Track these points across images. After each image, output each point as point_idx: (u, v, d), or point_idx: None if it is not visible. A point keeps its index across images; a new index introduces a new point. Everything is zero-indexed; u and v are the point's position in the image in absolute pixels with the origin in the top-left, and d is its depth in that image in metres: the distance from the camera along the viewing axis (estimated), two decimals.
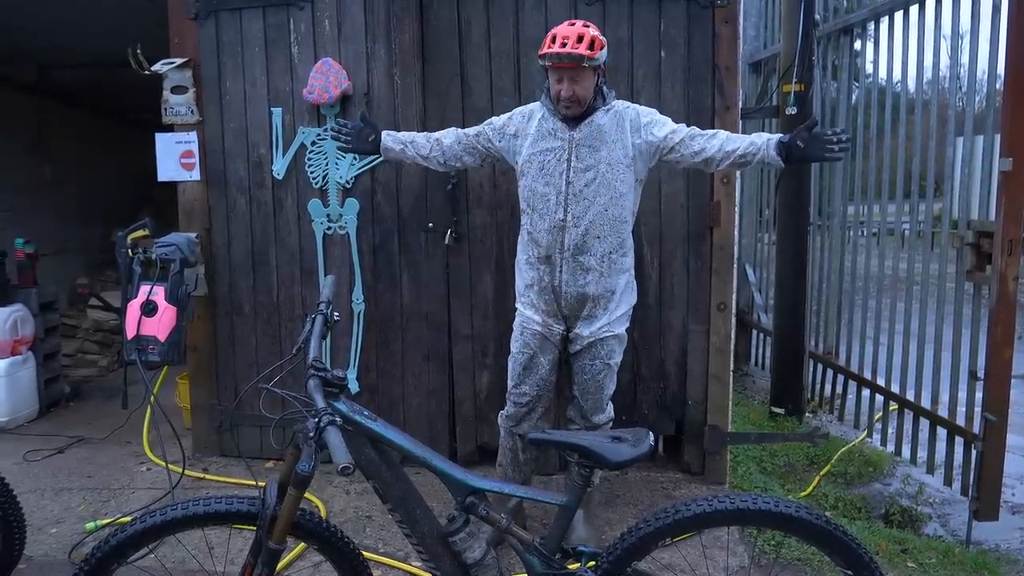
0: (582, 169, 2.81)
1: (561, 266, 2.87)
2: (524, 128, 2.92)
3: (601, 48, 2.72)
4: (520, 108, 3.03)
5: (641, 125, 2.86)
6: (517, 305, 3.05)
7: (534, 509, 3.37)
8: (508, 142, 2.96)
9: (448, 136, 3.05)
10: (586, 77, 2.73)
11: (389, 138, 3.08)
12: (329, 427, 1.68)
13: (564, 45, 2.64)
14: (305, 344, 2.03)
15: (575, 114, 2.80)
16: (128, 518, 3.36)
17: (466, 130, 3.06)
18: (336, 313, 2.17)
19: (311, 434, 1.74)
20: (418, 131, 3.64)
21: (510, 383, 3.05)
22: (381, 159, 3.68)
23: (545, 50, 2.71)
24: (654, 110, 2.94)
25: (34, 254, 4.91)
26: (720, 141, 2.80)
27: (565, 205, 2.82)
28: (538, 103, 2.94)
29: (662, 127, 2.86)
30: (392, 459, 2.03)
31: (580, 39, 2.66)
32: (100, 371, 5.94)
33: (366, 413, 1.98)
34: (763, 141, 2.76)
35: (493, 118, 3.04)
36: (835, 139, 2.67)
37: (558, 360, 3.01)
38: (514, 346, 3.04)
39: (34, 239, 5.03)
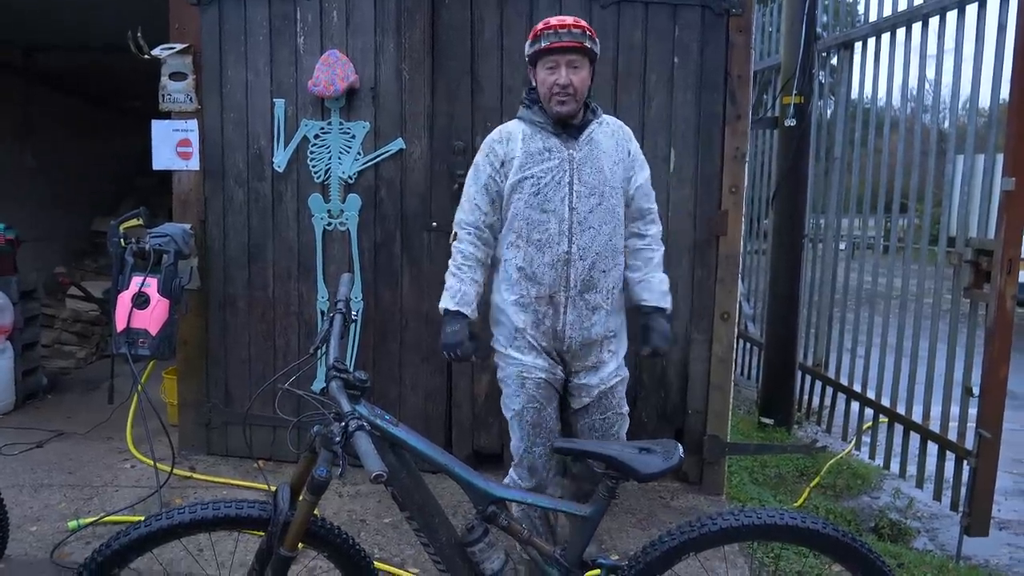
0: (586, 194, 2.50)
1: (566, 306, 2.53)
2: (509, 152, 2.54)
3: (596, 41, 2.51)
4: (491, 137, 2.62)
5: (631, 152, 2.63)
6: (506, 352, 2.60)
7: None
8: (502, 177, 2.56)
9: (468, 245, 2.60)
10: (583, 67, 2.46)
11: (470, 307, 2.60)
12: (358, 432, 1.62)
13: (563, 25, 2.43)
14: (324, 344, 1.97)
15: (569, 112, 2.47)
16: (114, 516, 3.27)
17: (466, 223, 2.60)
18: (354, 312, 2.10)
19: (337, 439, 1.67)
20: (425, 128, 3.64)
21: (521, 445, 2.62)
22: (387, 154, 3.65)
23: (540, 29, 2.45)
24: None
25: (15, 240, 4.74)
26: (650, 238, 2.67)
27: (569, 235, 2.49)
28: (514, 121, 2.62)
29: (644, 169, 2.67)
30: (411, 465, 1.97)
31: (577, 24, 2.44)
32: (78, 363, 5.76)
33: (387, 417, 1.92)
34: (644, 287, 2.63)
35: (474, 177, 2.60)
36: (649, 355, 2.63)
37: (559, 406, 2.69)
38: (514, 402, 2.60)
39: (13, 225, 4.86)
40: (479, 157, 2.62)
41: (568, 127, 2.53)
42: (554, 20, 2.47)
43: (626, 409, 2.71)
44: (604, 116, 2.64)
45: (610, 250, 2.56)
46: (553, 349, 2.58)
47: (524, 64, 3.49)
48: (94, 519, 3.24)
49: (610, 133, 2.59)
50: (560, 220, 2.49)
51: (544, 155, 2.51)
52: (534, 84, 2.55)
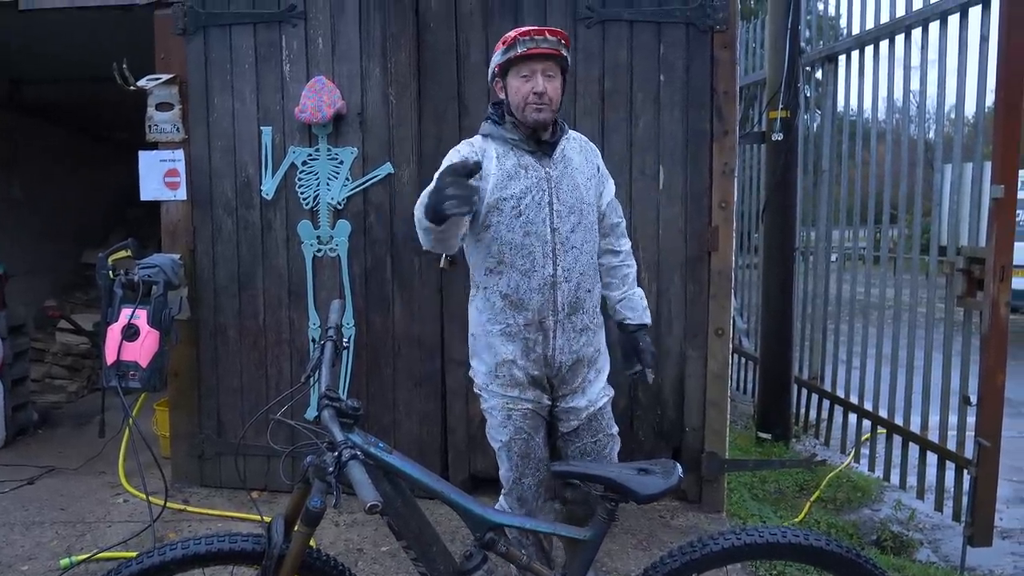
0: (566, 213, 2.42)
1: (555, 330, 2.45)
2: (483, 168, 2.42)
3: (568, 50, 2.44)
4: (457, 148, 2.50)
5: (599, 168, 2.59)
6: (488, 387, 2.53)
7: None
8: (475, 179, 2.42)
9: None
10: (557, 77, 2.40)
11: None
12: (352, 462, 1.59)
13: (539, 31, 2.35)
14: (315, 372, 1.94)
15: (547, 119, 2.38)
16: (107, 553, 3.21)
17: None
18: (345, 339, 2.08)
19: (331, 469, 1.64)
20: (413, 152, 3.65)
21: (510, 475, 2.56)
22: (376, 179, 3.64)
23: (514, 36, 2.34)
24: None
25: (3, 275, 4.70)
26: (624, 253, 2.64)
27: (553, 257, 2.41)
28: (478, 137, 2.51)
29: (610, 182, 2.63)
30: (406, 493, 1.94)
31: (552, 31, 2.37)
32: (69, 397, 5.70)
33: (381, 445, 1.89)
34: (626, 306, 2.63)
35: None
36: (637, 374, 2.63)
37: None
38: (501, 434, 2.54)
39: (1, 259, 4.83)
40: (443, 164, 2.46)
41: (542, 144, 2.44)
42: (529, 27, 2.39)
43: (615, 430, 2.64)
44: (570, 131, 2.56)
45: (592, 269, 2.53)
46: (544, 376, 2.49)
47: None
48: (87, 556, 3.18)
49: (578, 149, 2.54)
50: (543, 242, 2.41)
51: (520, 172, 2.41)
52: (501, 97, 2.45)
